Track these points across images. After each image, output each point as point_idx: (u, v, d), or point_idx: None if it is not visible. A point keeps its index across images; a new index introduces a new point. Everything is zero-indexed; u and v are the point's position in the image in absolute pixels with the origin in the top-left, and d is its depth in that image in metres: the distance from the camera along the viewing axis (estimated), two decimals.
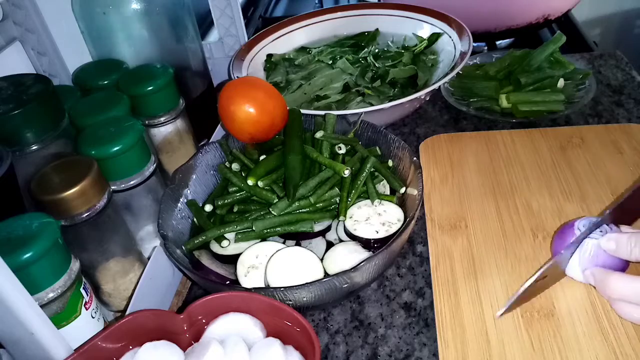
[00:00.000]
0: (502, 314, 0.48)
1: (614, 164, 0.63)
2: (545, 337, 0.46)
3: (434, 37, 0.82)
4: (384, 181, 0.58)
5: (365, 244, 0.52)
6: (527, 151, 0.67)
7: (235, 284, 0.50)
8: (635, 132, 0.68)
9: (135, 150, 0.49)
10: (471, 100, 0.77)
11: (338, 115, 0.62)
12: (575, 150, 0.66)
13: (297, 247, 0.51)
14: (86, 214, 0.44)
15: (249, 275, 0.49)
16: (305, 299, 0.46)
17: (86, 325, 0.43)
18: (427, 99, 0.79)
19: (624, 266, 0.48)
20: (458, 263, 0.54)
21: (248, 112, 0.56)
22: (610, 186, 0.60)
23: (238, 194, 0.56)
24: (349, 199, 0.54)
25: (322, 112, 0.63)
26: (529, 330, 0.47)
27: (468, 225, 0.58)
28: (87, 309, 0.43)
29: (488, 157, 0.67)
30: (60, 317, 0.41)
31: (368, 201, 0.55)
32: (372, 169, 0.56)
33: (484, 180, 0.64)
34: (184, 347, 0.40)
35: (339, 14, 0.91)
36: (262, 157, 0.58)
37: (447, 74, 0.69)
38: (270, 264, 0.49)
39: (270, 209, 0.53)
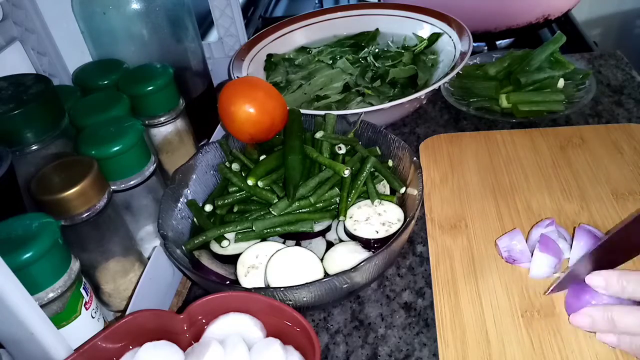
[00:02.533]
0: (550, 292, 0.49)
1: (614, 164, 0.63)
2: (545, 337, 0.46)
3: (434, 37, 0.82)
4: (384, 181, 0.58)
5: (365, 244, 0.52)
6: (527, 151, 0.67)
7: (235, 284, 0.50)
8: (635, 132, 0.68)
9: (135, 150, 0.49)
10: (471, 100, 0.77)
11: (338, 115, 0.62)
12: (575, 150, 0.66)
13: (297, 247, 0.51)
14: (86, 214, 0.44)
15: (249, 275, 0.49)
16: (305, 299, 0.46)
17: (86, 325, 0.43)
18: (427, 99, 0.79)
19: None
20: (458, 263, 0.54)
21: (248, 112, 0.56)
22: (610, 186, 0.60)
23: (238, 194, 0.56)
24: (349, 199, 0.54)
25: (322, 112, 0.63)
26: (529, 330, 0.47)
27: (468, 225, 0.58)
28: (87, 309, 0.43)
29: (488, 157, 0.67)
30: (60, 317, 0.41)
31: (368, 201, 0.55)
32: (372, 169, 0.56)
33: (484, 180, 0.64)
34: (184, 347, 0.40)
35: (339, 14, 0.91)
36: (262, 157, 0.58)
37: (447, 74, 0.69)
38: (270, 264, 0.49)
39: (271, 209, 0.53)
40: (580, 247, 0.51)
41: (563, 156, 0.66)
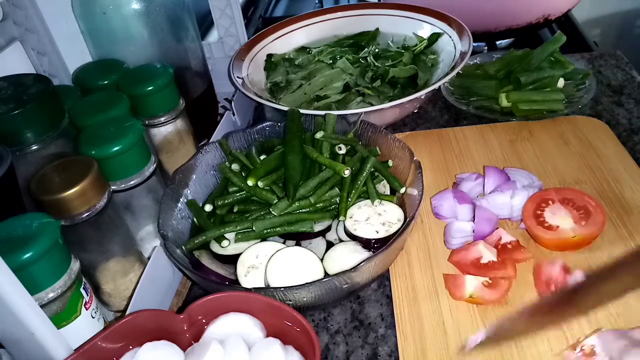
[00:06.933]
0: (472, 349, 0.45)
1: (561, 155, 0.65)
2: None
3: (434, 37, 0.82)
4: (384, 181, 0.58)
5: (365, 244, 0.52)
6: (479, 146, 0.69)
7: (235, 284, 0.50)
8: (580, 124, 0.70)
9: (135, 150, 0.49)
10: (471, 99, 0.77)
11: (338, 115, 0.62)
12: (524, 143, 0.68)
13: (297, 247, 0.51)
14: (86, 214, 0.44)
15: (249, 275, 0.49)
16: (305, 299, 0.46)
17: (86, 325, 0.43)
18: (427, 99, 0.79)
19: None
20: (415, 258, 0.55)
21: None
22: (558, 176, 0.62)
23: (238, 194, 0.56)
24: (349, 199, 0.54)
25: (322, 112, 0.63)
26: (484, 319, 0.48)
27: (424, 220, 0.59)
28: (87, 309, 0.43)
29: (441, 154, 0.69)
30: (60, 317, 0.41)
31: (368, 201, 0.55)
32: (372, 169, 0.56)
33: (438, 177, 0.65)
34: (184, 347, 0.40)
35: (339, 14, 0.91)
36: (262, 157, 0.58)
37: (447, 74, 0.69)
38: (270, 264, 0.49)
39: (271, 209, 0.53)
40: (491, 183, 0.58)
41: (512, 150, 0.67)
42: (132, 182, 0.50)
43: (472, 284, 0.49)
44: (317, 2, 1.36)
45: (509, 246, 0.53)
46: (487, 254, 0.51)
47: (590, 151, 0.65)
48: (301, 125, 0.61)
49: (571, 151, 0.66)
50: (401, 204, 0.56)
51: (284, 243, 0.54)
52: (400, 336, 0.48)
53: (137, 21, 0.62)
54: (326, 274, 0.49)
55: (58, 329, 0.39)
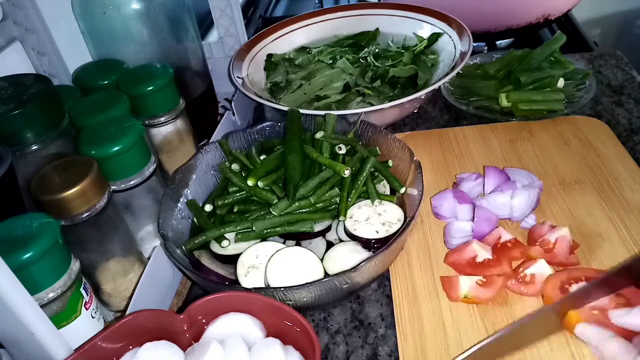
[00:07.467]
0: None
1: (560, 155, 0.66)
2: (499, 324, 0.47)
3: (434, 37, 0.82)
4: (384, 181, 0.58)
5: (365, 244, 0.52)
6: (478, 146, 0.69)
7: (235, 284, 0.50)
8: (580, 124, 0.70)
9: (135, 150, 0.49)
10: (471, 99, 0.77)
11: (338, 115, 0.62)
12: (524, 143, 0.68)
13: (297, 247, 0.51)
14: (86, 214, 0.44)
15: (249, 275, 0.49)
16: (305, 299, 0.46)
17: (86, 325, 0.43)
18: (427, 99, 0.79)
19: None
20: (415, 258, 0.55)
21: None
22: (558, 176, 0.62)
23: (238, 194, 0.56)
24: (349, 199, 0.54)
25: (322, 112, 0.63)
26: (484, 319, 0.48)
27: (424, 220, 0.59)
28: (87, 309, 0.43)
29: (441, 154, 0.69)
30: (60, 317, 0.41)
31: (368, 201, 0.55)
32: (372, 169, 0.56)
33: (438, 177, 0.65)
34: (184, 347, 0.40)
35: (339, 14, 0.91)
36: (262, 157, 0.58)
37: (447, 74, 0.69)
38: (270, 264, 0.49)
39: (271, 209, 0.53)
40: (491, 183, 0.58)
41: (512, 149, 0.67)
42: (132, 182, 0.50)
43: (465, 284, 0.49)
44: (317, 2, 1.36)
45: (509, 244, 0.53)
46: (482, 253, 0.51)
47: (590, 151, 0.65)
48: (301, 125, 0.61)
49: (571, 151, 0.66)
50: (401, 204, 0.56)
51: (284, 243, 0.54)
52: (400, 336, 0.48)
53: (137, 21, 0.62)
54: (326, 274, 0.49)
55: (58, 329, 0.39)
